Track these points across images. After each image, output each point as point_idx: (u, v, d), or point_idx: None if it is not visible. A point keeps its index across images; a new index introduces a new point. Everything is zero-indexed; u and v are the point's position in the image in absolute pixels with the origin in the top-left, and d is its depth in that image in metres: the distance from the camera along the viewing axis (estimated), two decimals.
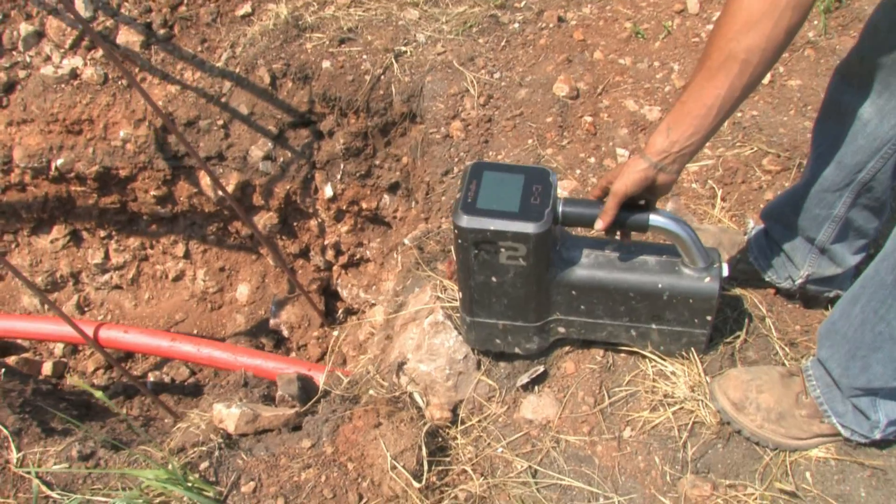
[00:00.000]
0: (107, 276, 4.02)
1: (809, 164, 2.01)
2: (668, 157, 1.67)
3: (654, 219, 1.83)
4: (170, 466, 1.96)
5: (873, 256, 1.76)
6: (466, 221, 1.81)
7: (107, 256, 3.99)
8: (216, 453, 2.09)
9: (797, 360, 2.14)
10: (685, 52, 3.09)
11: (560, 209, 1.85)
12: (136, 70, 3.49)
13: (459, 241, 1.85)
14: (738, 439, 2.00)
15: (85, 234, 3.96)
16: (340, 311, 3.92)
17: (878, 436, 1.87)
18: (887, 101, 1.72)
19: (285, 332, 3.83)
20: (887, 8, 1.65)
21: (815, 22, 3.10)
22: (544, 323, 2.08)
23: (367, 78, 3.22)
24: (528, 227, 1.79)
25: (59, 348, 3.93)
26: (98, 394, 1.84)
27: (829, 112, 1.90)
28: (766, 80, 2.91)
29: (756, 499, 1.88)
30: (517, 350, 2.15)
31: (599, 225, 1.80)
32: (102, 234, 3.94)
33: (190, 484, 1.97)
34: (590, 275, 1.96)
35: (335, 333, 3.76)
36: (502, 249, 1.84)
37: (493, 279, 1.92)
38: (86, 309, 4.06)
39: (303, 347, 3.81)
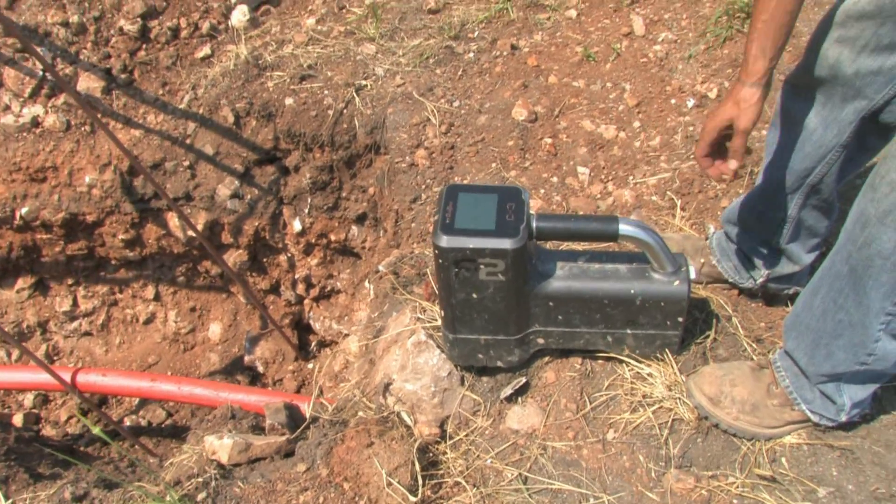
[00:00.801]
0: (76, 324, 4.01)
1: (763, 169, 2.14)
2: (768, 75, 1.75)
3: (624, 228, 1.93)
4: (168, 498, 1.99)
5: (826, 254, 1.88)
6: (446, 241, 1.89)
7: (75, 303, 3.98)
8: (212, 484, 2.12)
9: (764, 355, 2.25)
10: (635, 72, 3.23)
11: (534, 224, 1.94)
12: (99, 116, 3.52)
13: (440, 260, 1.93)
14: (716, 432, 2.10)
15: (52, 283, 3.96)
16: (314, 343, 3.96)
17: (844, 418, 1.99)
18: (830, 111, 1.86)
19: (260, 368, 3.86)
20: (823, 26, 1.79)
21: None
22: (524, 335, 2.16)
23: (330, 112, 3.30)
24: (506, 243, 1.88)
25: (28, 399, 3.90)
26: (96, 429, 1.87)
27: (780, 121, 2.03)
28: (713, 96, 3.05)
29: (737, 487, 1.97)
30: (499, 363, 2.22)
31: (734, 165, 1.87)
32: (70, 280, 3.94)
33: None
34: (566, 286, 2.05)
35: (310, 366, 3.80)
36: (481, 266, 1.92)
37: (474, 295, 2.00)
38: (55, 358, 4.04)
39: (279, 382, 3.83)
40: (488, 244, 1.88)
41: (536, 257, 2.07)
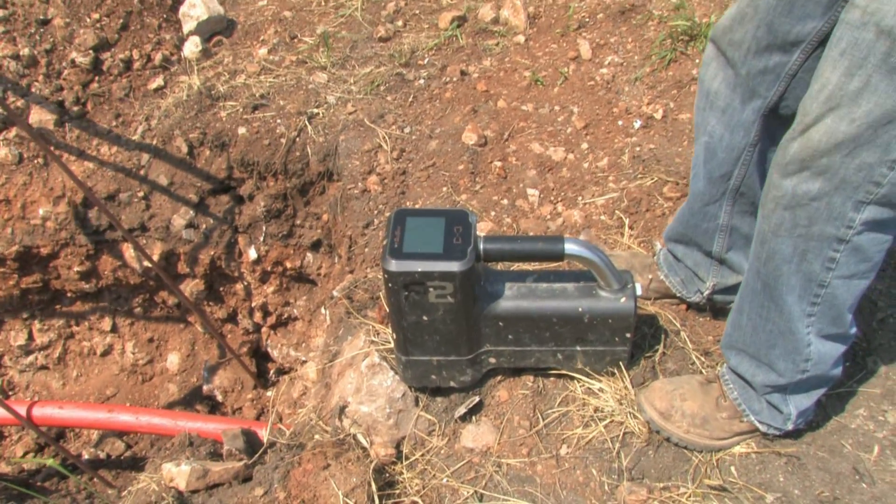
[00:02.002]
0: (31, 358, 3.98)
1: (690, 184, 2.21)
2: None
3: (569, 248, 1.98)
4: None
5: None
6: (395, 266, 1.92)
7: (30, 337, 3.94)
8: None
9: (712, 367, 2.31)
10: (582, 95, 3.31)
11: (481, 247, 1.98)
12: (52, 148, 3.51)
13: (390, 284, 1.96)
14: (667, 445, 2.15)
15: (5, 316, 3.92)
16: (272, 371, 3.96)
17: (790, 426, 2.05)
18: (731, 116, 1.95)
19: (219, 397, 3.85)
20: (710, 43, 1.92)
21: (697, 61, 3.36)
22: (476, 355, 2.19)
23: (283, 141, 3.34)
24: (453, 266, 1.92)
25: None
26: (50, 461, 1.87)
27: (696, 133, 2.11)
28: (659, 116, 3.14)
29: (689, 497, 2.02)
30: (452, 384, 2.25)
31: None
32: (25, 314, 3.91)
33: None
34: (514, 305, 2.10)
35: (269, 394, 3.80)
36: (430, 289, 1.96)
37: (424, 318, 2.04)
38: (10, 393, 3.99)
39: (238, 411, 3.83)
40: (436, 267, 1.92)
41: (485, 279, 2.11)
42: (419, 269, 1.92)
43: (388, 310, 2.09)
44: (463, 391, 2.31)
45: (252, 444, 2.54)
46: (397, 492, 2.14)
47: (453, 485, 2.15)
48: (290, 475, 2.13)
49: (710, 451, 2.13)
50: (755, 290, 1.88)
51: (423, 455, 2.24)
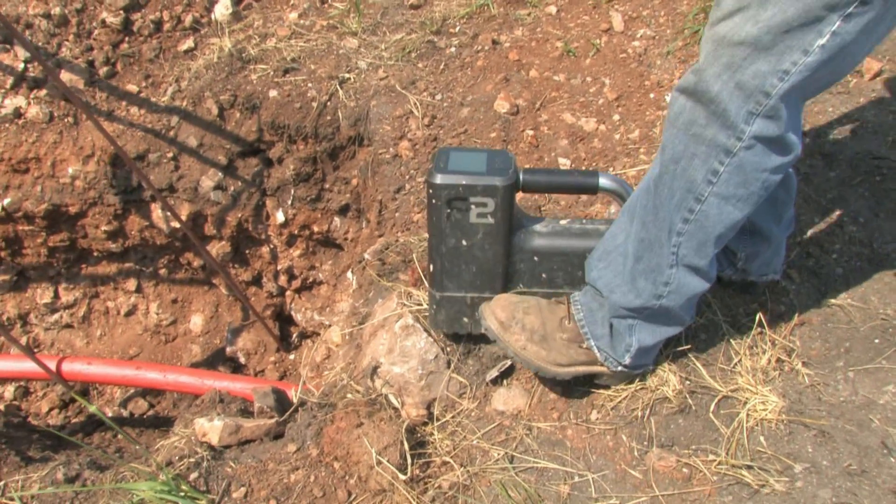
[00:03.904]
0: (56, 316, 4.02)
1: None
2: None
3: (604, 182, 2.05)
4: (162, 477, 2.02)
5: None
6: (440, 178, 1.97)
7: (56, 295, 3.98)
8: (204, 464, 2.16)
9: (742, 339, 2.31)
10: (614, 67, 3.30)
11: (521, 176, 2.03)
12: (86, 104, 3.52)
13: (433, 200, 2.00)
14: (696, 413, 2.16)
15: (32, 274, 3.95)
16: (295, 335, 3.99)
17: (627, 360, 2.06)
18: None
19: (242, 359, 3.89)
20: None
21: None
22: None
23: (314, 105, 3.34)
24: (496, 181, 1.97)
25: (9, 391, 3.90)
26: (93, 408, 1.90)
27: None
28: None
29: (718, 464, 2.04)
30: (483, 330, 2.27)
31: None
32: (51, 272, 3.94)
33: (182, 493, 2.03)
34: (549, 242, 2.14)
35: (292, 357, 3.83)
36: (472, 206, 2.00)
37: (464, 242, 2.08)
38: (35, 350, 4.03)
39: (260, 373, 3.86)
40: (480, 181, 1.97)
41: (522, 215, 2.14)
42: (463, 182, 1.96)
43: (428, 234, 2.11)
44: (494, 353, 2.33)
45: (282, 402, 2.56)
46: (428, 451, 2.17)
47: (484, 446, 2.18)
48: (324, 432, 2.15)
49: (545, 375, 2.11)
50: (648, 189, 1.86)
51: (453, 417, 2.26)
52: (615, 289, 1.99)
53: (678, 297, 1.93)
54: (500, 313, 2.11)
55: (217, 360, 3.91)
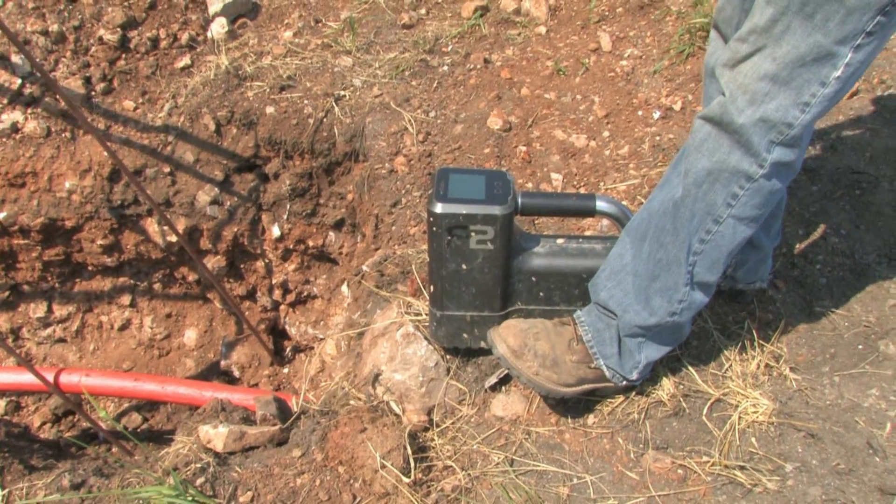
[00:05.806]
0: (49, 330, 4.03)
1: None
2: None
3: (601, 205, 2.12)
4: (171, 481, 2.07)
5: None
6: (441, 208, 2.03)
7: (49, 310, 4.00)
8: (210, 469, 2.20)
9: (733, 346, 2.40)
10: (603, 86, 3.40)
11: (520, 200, 2.10)
12: (82, 118, 3.57)
13: (434, 228, 2.06)
14: (690, 416, 2.23)
15: (26, 288, 3.97)
16: (289, 349, 4.03)
17: (635, 376, 2.15)
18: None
19: (236, 373, 3.92)
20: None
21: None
22: (507, 313, 2.29)
23: (311, 121, 3.41)
24: (496, 210, 2.03)
25: (0, 406, 3.91)
26: (102, 412, 1.94)
27: (703, 105, 2.21)
28: (678, 108, 3.23)
29: (712, 465, 2.11)
30: (483, 344, 2.34)
31: None
32: (45, 286, 3.96)
33: (191, 498, 2.07)
34: (547, 262, 2.21)
35: (285, 371, 3.87)
36: (472, 234, 2.06)
37: (464, 266, 2.14)
38: None
39: (254, 387, 3.89)
40: (480, 210, 2.03)
41: (521, 236, 2.21)
42: (463, 212, 2.02)
43: (429, 258, 2.17)
44: (490, 353, 2.39)
45: (284, 410, 2.61)
46: (430, 456, 2.22)
47: (484, 450, 2.24)
48: (329, 437, 2.21)
49: (555, 396, 2.18)
50: (665, 211, 1.93)
51: (453, 423, 2.32)
52: (628, 308, 2.06)
53: (688, 313, 2.02)
54: (511, 341, 2.17)
55: (211, 373, 3.95)
